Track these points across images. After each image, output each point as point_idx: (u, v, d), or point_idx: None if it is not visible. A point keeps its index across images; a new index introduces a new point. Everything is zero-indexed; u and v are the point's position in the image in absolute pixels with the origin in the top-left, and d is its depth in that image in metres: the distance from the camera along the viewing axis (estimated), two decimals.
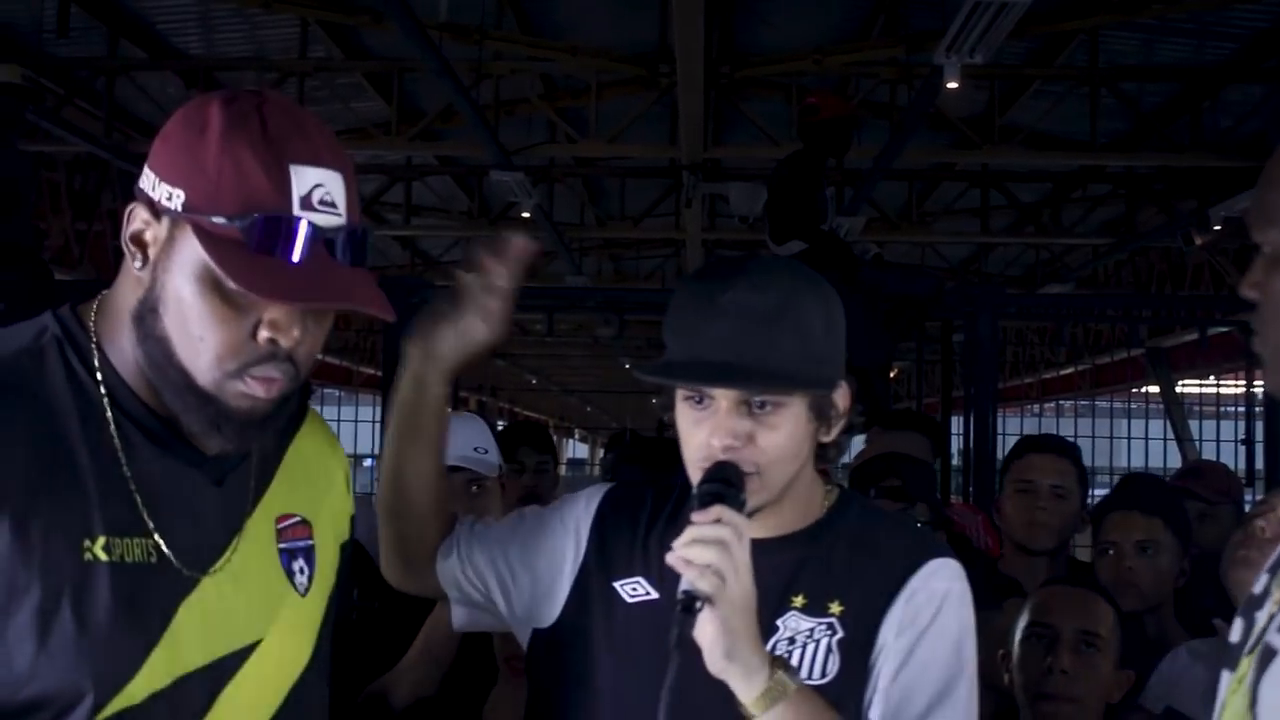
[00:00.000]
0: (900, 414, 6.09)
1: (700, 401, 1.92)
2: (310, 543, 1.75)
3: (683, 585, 1.72)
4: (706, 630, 1.71)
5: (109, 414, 1.55)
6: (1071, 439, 5.58)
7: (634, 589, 2.03)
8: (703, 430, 1.90)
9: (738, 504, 1.80)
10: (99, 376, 1.56)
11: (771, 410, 1.90)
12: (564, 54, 10.28)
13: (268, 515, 1.70)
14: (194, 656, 1.56)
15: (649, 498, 2.15)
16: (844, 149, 8.08)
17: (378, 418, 7.69)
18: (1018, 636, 2.80)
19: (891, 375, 7.39)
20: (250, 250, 1.48)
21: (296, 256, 1.49)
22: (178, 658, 1.55)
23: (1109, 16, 9.04)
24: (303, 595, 1.72)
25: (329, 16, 9.61)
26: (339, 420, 11.62)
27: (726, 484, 1.83)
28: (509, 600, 2.11)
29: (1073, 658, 2.70)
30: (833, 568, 1.87)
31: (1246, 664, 1.44)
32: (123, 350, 1.58)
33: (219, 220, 1.48)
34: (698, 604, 1.70)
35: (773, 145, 10.04)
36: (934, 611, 1.93)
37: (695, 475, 1.92)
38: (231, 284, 1.47)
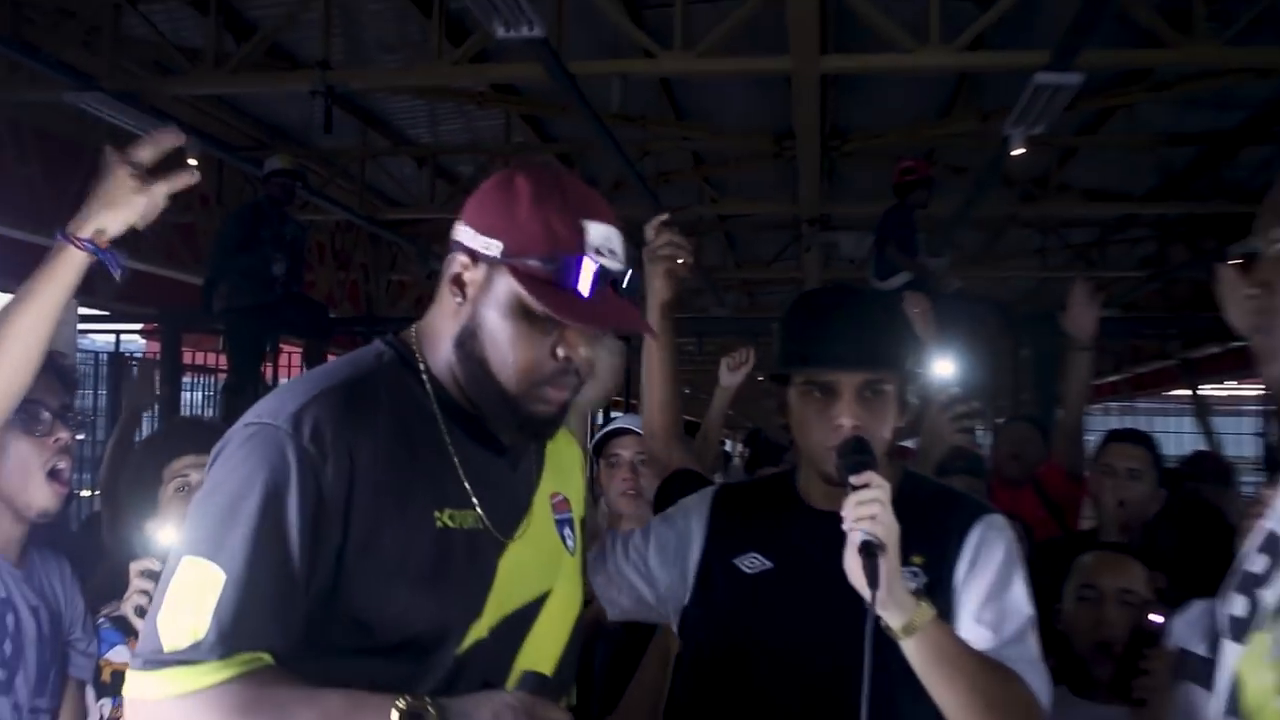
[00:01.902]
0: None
1: (823, 393, 1.92)
2: (571, 515, 1.79)
3: (862, 537, 1.70)
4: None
5: (438, 415, 1.59)
6: None
7: (751, 563, 2.02)
8: (827, 416, 1.91)
9: (875, 469, 1.79)
10: (428, 387, 1.61)
11: (876, 396, 1.92)
12: (709, 133, 10.30)
13: (545, 493, 1.73)
14: (511, 602, 1.61)
15: (753, 490, 2.20)
16: (926, 202, 8.05)
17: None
18: (1073, 596, 2.74)
19: (971, 384, 7.27)
20: (555, 285, 1.52)
21: (588, 290, 1.53)
22: (502, 603, 1.59)
23: (1144, 94, 8.83)
24: (572, 554, 1.77)
25: (526, 109, 9.71)
26: None
27: (865, 453, 1.82)
28: (656, 593, 2.13)
29: (1115, 611, 2.64)
30: (910, 527, 1.79)
31: (1263, 642, 1.33)
32: (440, 365, 1.62)
33: (531, 262, 1.52)
34: (878, 550, 1.69)
35: (874, 202, 9.95)
36: (995, 553, 1.93)
37: (822, 455, 1.93)
38: (540, 309, 1.52)
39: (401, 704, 1.38)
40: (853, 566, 1.71)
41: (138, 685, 1.44)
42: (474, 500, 1.58)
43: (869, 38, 6.90)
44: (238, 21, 7.59)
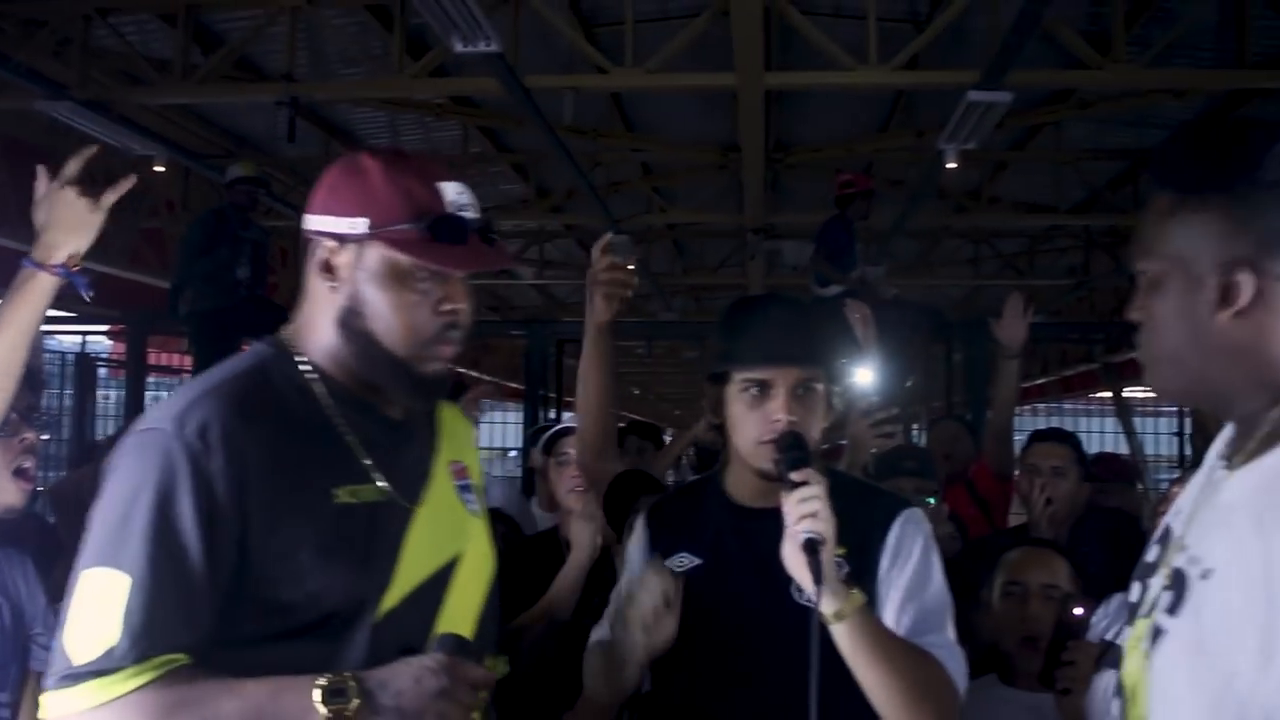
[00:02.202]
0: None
1: (759, 391, 1.93)
2: (469, 481, 1.76)
3: (805, 534, 1.70)
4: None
5: (324, 400, 1.57)
6: None
7: (680, 562, 2.00)
8: (761, 413, 1.92)
9: (810, 464, 1.79)
10: (310, 376, 1.58)
11: (809, 394, 1.94)
12: (657, 146, 10.32)
13: (444, 461, 1.70)
14: (423, 568, 1.58)
15: (680, 495, 2.19)
16: (867, 214, 8.06)
17: (520, 420, 7.79)
18: (999, 591, 2.70)
19: (907, 385, 7.33)
20: (430, 242, 1.53)
21: (460, 241, 1.55)
22: (413, 570, 1.57)
23: (1069, 111, 8.95)
24: (477, 516, 1.74)
25: (483, 121, 9.71)
26: (491, 422, 11.67)
27: (802, 449, 1.82)
28: None
29: (1039, 606, 2.60)
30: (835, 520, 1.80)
31: (1142, 627, 1.36)
32: (320, 353, 1.59)
33: (401, 228, 1.53)
34: (820, 546, 1.70)
35: (815, 212, 10.02)
36: (915, 546, 1.95)
37: (757, 451, 1.93)
38: (426, 265, 1.54)
39: (323, 682, 1.37)
40: (793, 561, 1.73)
41: (55, 705, 1.39)
42: (373, 475, 1.56)
43: (811, 56, 6.94)
44: (205, 34, 7.52)
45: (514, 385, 19.14)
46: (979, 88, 6.01)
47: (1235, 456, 1.34)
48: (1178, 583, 1.30)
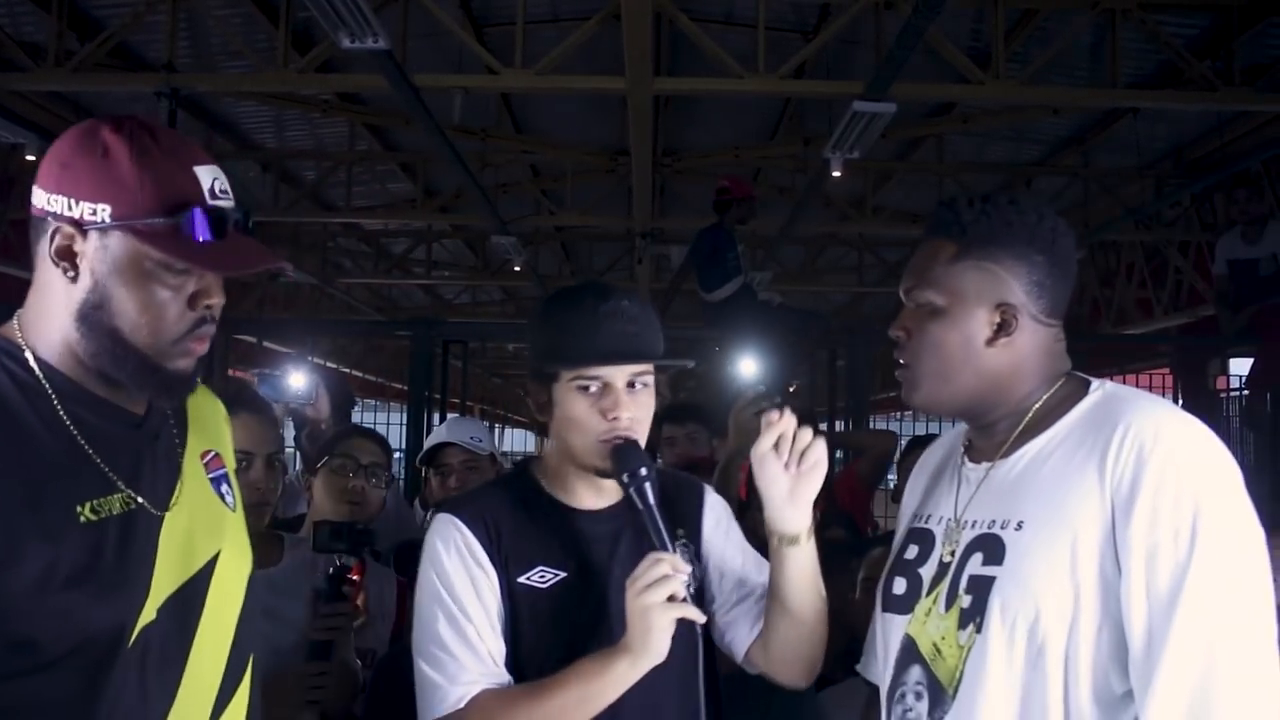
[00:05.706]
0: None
1: (589, 389, 1.86)
2: (224, 470, 1.64)
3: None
4: None
5: (55, 402, 1.41)
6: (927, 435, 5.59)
7: (541, 576, 1.87)
8: (597, 410, 1.85)
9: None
10: (39, 374, 1.42)
11: (643, 389, 1.90)
12: (546, 148, 10.32)
13: (194, 454, 1.59)
14: (179, 574, 1.48)
15: (498, 503, 1.94)
16: (745, 219, 8.10)
17: (403, 420, 7.71)
18: (861, 588, 2.73)
19: (791, 389, 7.40)
20: (184, 237, 1.38)
21: (220, 236, 1.40)
22: (169, 578, 1.46)
23: (951, 125, 9.15)
24: (232, 510, 1.63)
25: (371, 119, 9.61)
26: (375, 423, 11.50)
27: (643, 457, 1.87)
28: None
29: None
30: (670, 512, 1.88)
31: (928, 604, 1.67)
32: (53, 349, 1.43)
33: (152, 221, 1.38)
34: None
35: (703, 217, 10.10)
36: (726, 515, 2.09)
37: (596, 449, 1.86)
38: (181, 264, 1.40)
39: None
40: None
41: None
42: (117, 483, 1.42)
43: (701, 63, 7.00)
44: (82, 20, 7.30)
45: (397, 386, 19.00)
46: (864, 98, 6.12)
47: (989, 452, 1.67)
48: (987, 543, 1.59)
